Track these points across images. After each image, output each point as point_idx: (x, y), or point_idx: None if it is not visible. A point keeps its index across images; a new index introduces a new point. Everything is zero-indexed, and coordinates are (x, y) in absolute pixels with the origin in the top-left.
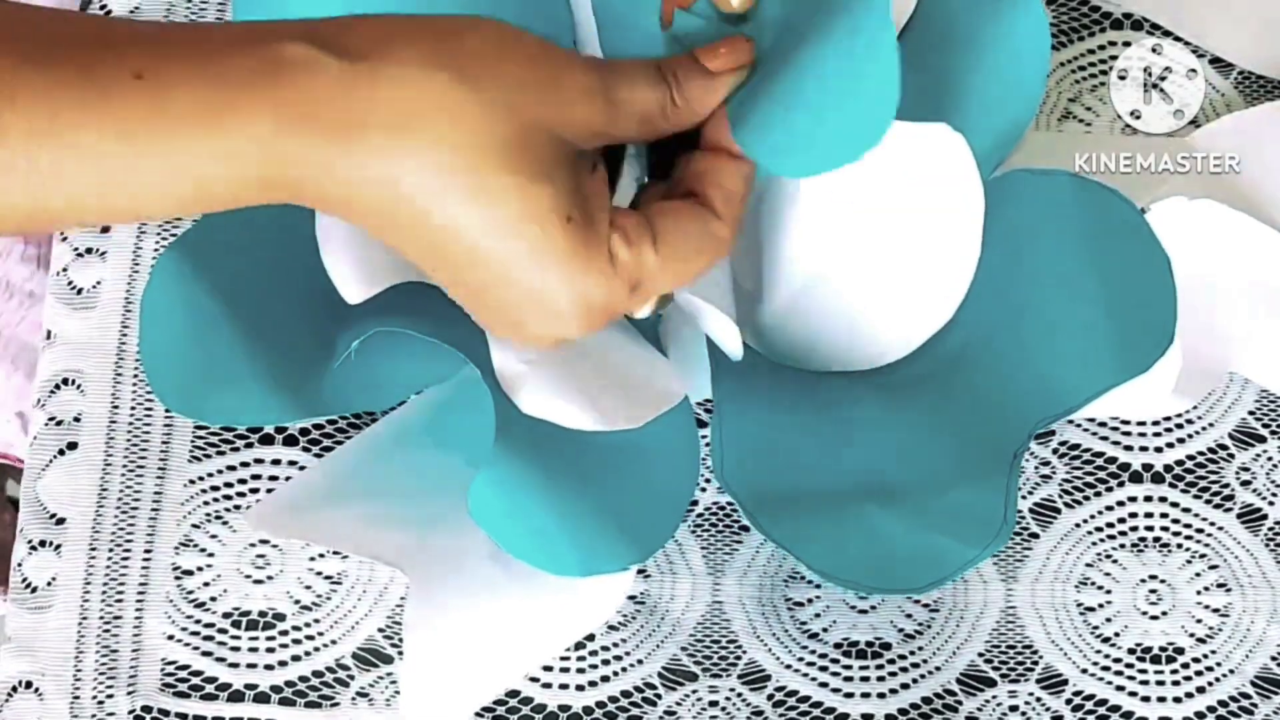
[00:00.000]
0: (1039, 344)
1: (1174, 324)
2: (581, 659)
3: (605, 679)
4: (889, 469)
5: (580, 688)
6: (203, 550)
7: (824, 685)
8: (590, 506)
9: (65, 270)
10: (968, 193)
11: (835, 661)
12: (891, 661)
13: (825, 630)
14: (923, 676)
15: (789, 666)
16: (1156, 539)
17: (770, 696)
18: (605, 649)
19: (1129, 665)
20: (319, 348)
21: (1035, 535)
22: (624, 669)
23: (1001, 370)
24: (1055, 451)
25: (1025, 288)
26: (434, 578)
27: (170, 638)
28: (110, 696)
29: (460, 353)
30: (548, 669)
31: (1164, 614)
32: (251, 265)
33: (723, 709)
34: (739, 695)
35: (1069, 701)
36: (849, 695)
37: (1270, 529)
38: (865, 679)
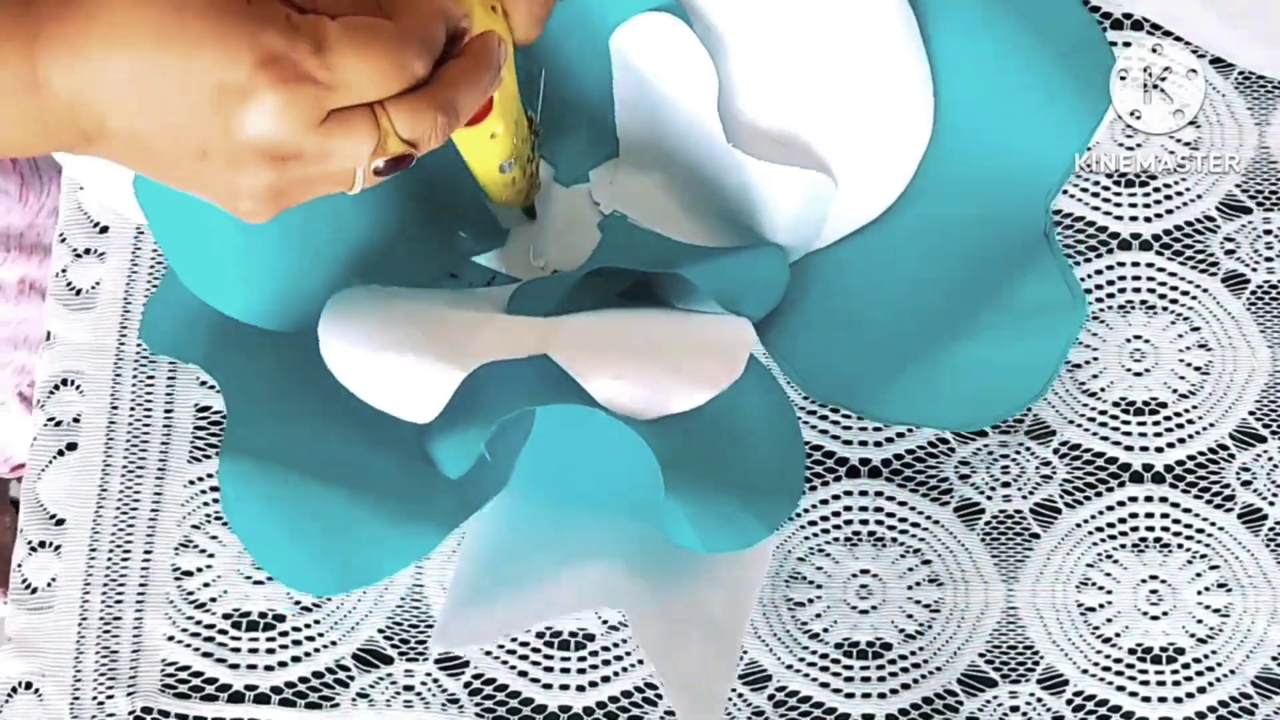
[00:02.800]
0: (1007, 124)
1: (1109, 48)
2: (582, 659)
3: (606, 679)
4: (935, 306)
5: (581, 688)
6: (202, 551)
7: (825, 685)
8: (740, 476)
9: (64, 271)
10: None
11: (836, 662)
12: (892, 661)
13: (826, 630)
14: (924, 677)
15: (790, 667)
16: (1157, 539)
17: (771, 696)
18: (606, 649)
19: (1130, 665)
20: (421, 467)
21: (1036, 535)
22: (624, 669)
23: (988, 165)
24: (1056, 452)
25: (970, 77)
26: (644, 600)
27: (170, 638)
28: (110, 697)
29: (580, 402)
30: (548, 669)
31: (1164, 614)
32: (300, 436)
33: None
34: (740, 696)
35: (1069, 702)
36: (850, 695)
37: (1270, 529)
38: (866, 679)
